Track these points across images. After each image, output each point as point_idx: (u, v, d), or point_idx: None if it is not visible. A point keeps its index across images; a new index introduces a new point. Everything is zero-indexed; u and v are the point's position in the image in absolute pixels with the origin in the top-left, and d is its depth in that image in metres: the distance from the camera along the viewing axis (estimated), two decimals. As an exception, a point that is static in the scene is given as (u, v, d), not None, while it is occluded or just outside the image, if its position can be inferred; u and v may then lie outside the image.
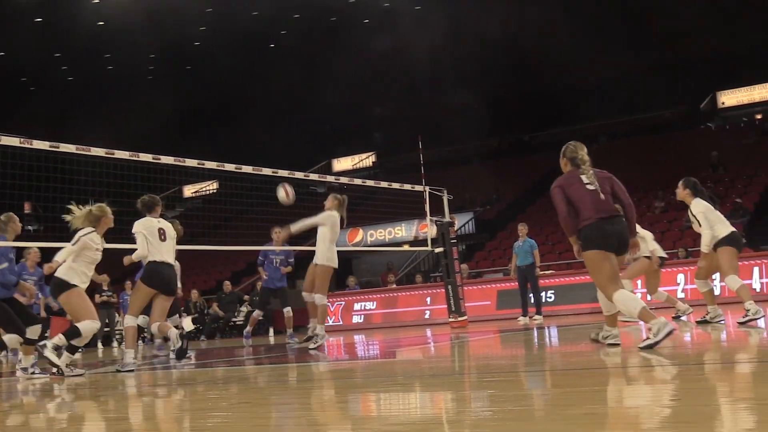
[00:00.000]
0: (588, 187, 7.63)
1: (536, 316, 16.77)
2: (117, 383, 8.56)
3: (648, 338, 7.19)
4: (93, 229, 9.42)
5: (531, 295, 17.08)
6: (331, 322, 21.48)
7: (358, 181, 17.14)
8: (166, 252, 9.64)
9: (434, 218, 17.23)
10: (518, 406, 4.72)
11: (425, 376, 7.14)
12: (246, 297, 24.03)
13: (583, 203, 7.59)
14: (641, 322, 8.39)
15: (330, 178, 18.99)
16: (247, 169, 13.03)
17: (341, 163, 40.44)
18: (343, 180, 17.49)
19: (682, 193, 10.69)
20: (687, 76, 34.41)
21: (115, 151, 11.22)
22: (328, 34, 33.73)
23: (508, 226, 29.23)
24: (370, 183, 17.40)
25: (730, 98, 36.66)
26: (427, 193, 17.10)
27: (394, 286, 22.68)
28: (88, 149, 11.04)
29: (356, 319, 21.05)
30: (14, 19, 27.36)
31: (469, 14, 32.81)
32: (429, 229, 18.21)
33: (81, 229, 9.38)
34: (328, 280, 11.89)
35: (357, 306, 21.25)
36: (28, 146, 10.55)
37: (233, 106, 37.15)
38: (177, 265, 10.29)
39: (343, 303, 21.57)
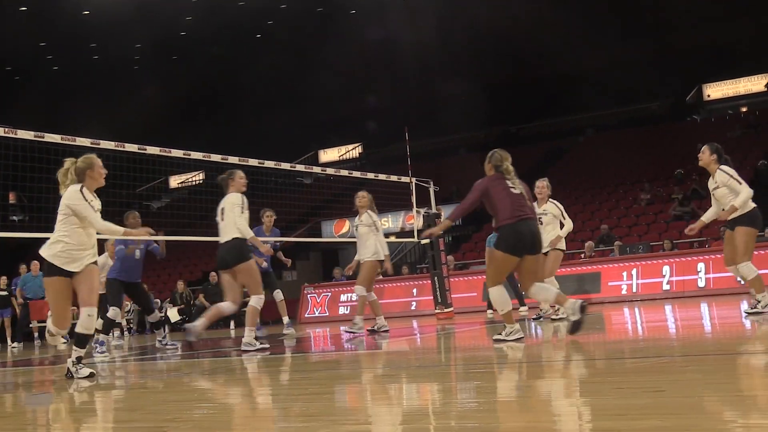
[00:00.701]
0: (512, 190, 8.23)
1: (522, 308, 16.77)
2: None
3: (500, 334, 8.29)
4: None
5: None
6: (317, 313, 21.49)
7: (344, 172, 17.13)
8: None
9: (421, 209, 17.23)
10: (505, 398, 4.74)
11: (411, 368, 7.15)
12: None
13: (504, 203, 8.16)
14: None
15: (317, 169, 18.95)
16: (234, 159, 13.00)
17: (328, 154, 40.39)
18: (330, 171, 17.47)
19: (708, 158, 9.80)
20: (673, 68, 34.48)
21: (101, 141, 11.17)
22: (315, 25, 33.68)
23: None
24: (356, 174, 17.39)
25: (715, 91, 36.75)
26: (413, 184, 17.09)
27: (380, 277, 22.67)
28: (73, 139, 10.99)
29: (342, 310, 21.04)
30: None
31: (457, 4, 32.81)
32: (415, 220, 18.22)
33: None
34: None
35: (343, 297, 21.25)
36: (13, 136, 10.50)
37: (220, 96, 37.06)
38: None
39: (330, 294, 21.57)
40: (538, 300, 9.06)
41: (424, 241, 16.97)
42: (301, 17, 32.87)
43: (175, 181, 40.51)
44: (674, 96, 36.17)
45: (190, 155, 12.55)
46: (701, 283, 16.83)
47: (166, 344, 12.25)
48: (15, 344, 20.07)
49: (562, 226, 12.37)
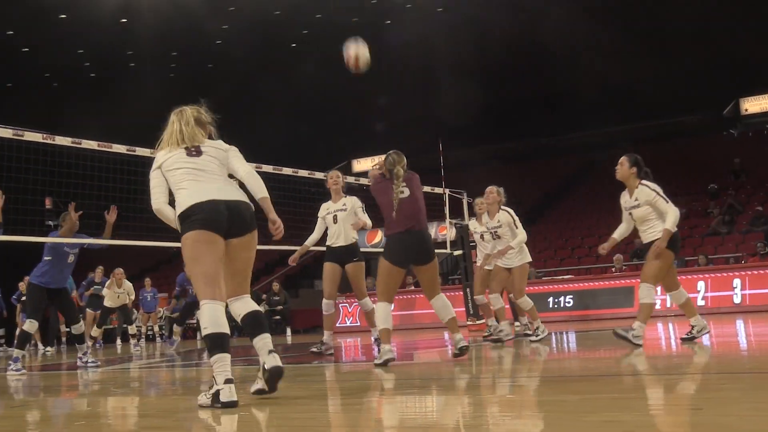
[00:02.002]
0: (401, 195, 8.00)
1: (516, 323, 16.71)
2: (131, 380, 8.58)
3: (377, 357, 8.01)
4: None
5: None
6: (348, 323, 21.48)
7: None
8: None
9: (453, 221, 17.20)
10: (536, 412, 4.69)
11: (443, 380, 7.11)
12: (264, 296, 24.06)
13: (387, 214, 7.99)
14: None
15: (350, 179, 18.98)
16: (268, 168, 13.04)
17: (361, 164, 40.39)
18: (363, 181, 17.45)
19: (626, 171, 8.75)
20: (711, 82, 34.16)
21: (137, 149, 11.26)
22: (349, 34, 33.68)
23: (529, 230, 29.14)
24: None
25: (753, 105, 36.34)
26: (446, 195, 17.07)
27: (413, 288, 22.61)
28: (109, 146, 11.09)
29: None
30: (39, 16, 27.48)
31: (491, 15, 32.74)
32: (448, 231, 18.18)
33: None
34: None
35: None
36: (51, 142, 10.60)
37: (254, 104, 37.16)
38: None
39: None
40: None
41: (456, 253, 16.92)
42: (335, 27, 32.90)
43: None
44: (711, 109, 35.80)
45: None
46: (737, 300, 16.66)
47: (87, 362, 11.04)
48: (48, 348, 20.23)
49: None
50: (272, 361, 5.54)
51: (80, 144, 10.91)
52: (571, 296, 18.76)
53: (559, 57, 33.59)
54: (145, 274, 24.14)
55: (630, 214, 8.84)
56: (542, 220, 29.58)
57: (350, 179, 18.63)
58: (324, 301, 10.60)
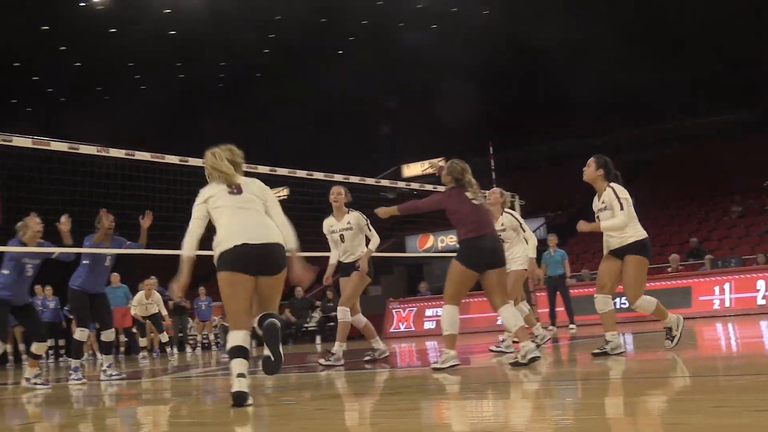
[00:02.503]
0: (473, 202, 7.90)
1: (570, 326, 16.55)
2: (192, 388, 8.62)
3: (436, 362, 7.98)
4: None
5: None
6: (402, 328, 21.44)
7: (429, 187, 17.08)
8: None
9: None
10: (596, 415, 4.62)
11: (499, 383, 7.05)
12: (318, 303, 24.11)
13: (465, 218, 7.85)
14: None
15: (401, 184, 18.97)
16: (319, 175, 13.07)
17: (411, 169, 40.36)
18: (414, 186, 17.48)
19: (593, 173, 8.55)
20: (764, 77, 33.59)
21: (189, 159, 11.34)
22: (396, 40, 33.72)
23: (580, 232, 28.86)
24: (441, 189, 17.32)
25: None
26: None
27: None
28: (162, 157, 11.19)
29: (428, 325, 20.97)
30: (89, 30, 27.88)
31: (537, 14, 32.64)
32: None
33: None
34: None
35: (429, 312, 21.18)
36: (105, 154, 10.73)
37: (303, 113, 37.33)
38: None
39: (415, 309, 21.52)
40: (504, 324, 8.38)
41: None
42: (381, 34, 33.01)
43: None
44: (765, 106, 35.18)
45: (275, 171, 12.66)
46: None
47: (111, 375, 10.77)
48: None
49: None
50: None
51: (133, 155, 11.02)
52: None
53: (606, 55, 33.28)
54: (200, 283, 24.29)
55: (598, 217, 8.62)
56: (594, 220, 29.33)
57: (401, 184, 18.66)
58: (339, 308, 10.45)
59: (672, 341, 8.40)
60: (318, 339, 22.36)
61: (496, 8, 31.46)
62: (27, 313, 10.31)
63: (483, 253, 7.83)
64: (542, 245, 28.14)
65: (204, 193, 6.46)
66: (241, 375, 5.91)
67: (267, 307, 6.27)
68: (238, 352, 6.00)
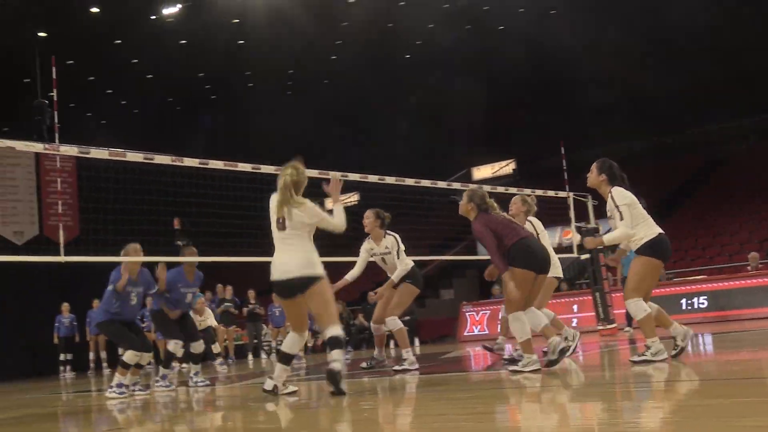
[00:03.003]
0: (505, 218, 8.34)
1: (626, 328, 16.30)
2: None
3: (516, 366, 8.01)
4: None
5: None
6: (476, 332, 21.35)
7: (500, 189, 16.97)
8: None
9: (579, 224, 16.91)
10: (683, 417, 4.53)
11: (576, 386, 6.97)
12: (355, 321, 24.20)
13: (506, 231, 8.08)
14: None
15: (473, 187, 18.91)
16: (390, 180, 13.07)
17: (481, 171, 40.17)
18: (486, 188, 17.36)
19: (595, 179, 8.37)
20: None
21: (261, 167, 11.45)
22: (463, 42, 33.59)
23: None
24: (513, 190, 17.20)
25: None
26: (571, 199, 16.80)
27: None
28: (235, 165, 11.31)
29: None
30: (160, 42, 28.29)
31: (609, 13, 32.27)
32: (573, 235, 17.88)
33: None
34: None
35: (502, 314, 21.04)
36: (180, 164, 10.88)
37: (370, 117, 37.43)
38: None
39: (489, 312, 21.40)
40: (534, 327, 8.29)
41: (584, 256, 16.63)
42: (449, 36, 32.88)
43: (331, 203, 41.16)
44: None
45: (347, 176, 12.70)
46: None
47: (197, 382, 11.09)
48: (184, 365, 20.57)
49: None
50: (336, 366, 7.24)
51: (207, 164, 11.16)
52: (705, 297, 18.19)
53: (685, 52, 32.76)
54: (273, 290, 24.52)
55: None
56: (669, 221, 28.83)
57: (472, 187, 18.59)
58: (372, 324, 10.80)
59: (674, 350, 8.02)
60: (392, 344, 22.37)
61: (580, 17, 31.12)
62: (129, 328, 10.49)
63: (537, 255, 8.02)
64: (614, 246, 27.93)
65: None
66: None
67: (323, 321, 7.44)
68: (285, 359, 7.85)
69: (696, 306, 17.68)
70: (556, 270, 10.06)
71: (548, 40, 31.10)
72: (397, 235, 10.54)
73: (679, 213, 29.39)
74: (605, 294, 16.32)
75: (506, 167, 39.82)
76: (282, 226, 7.52)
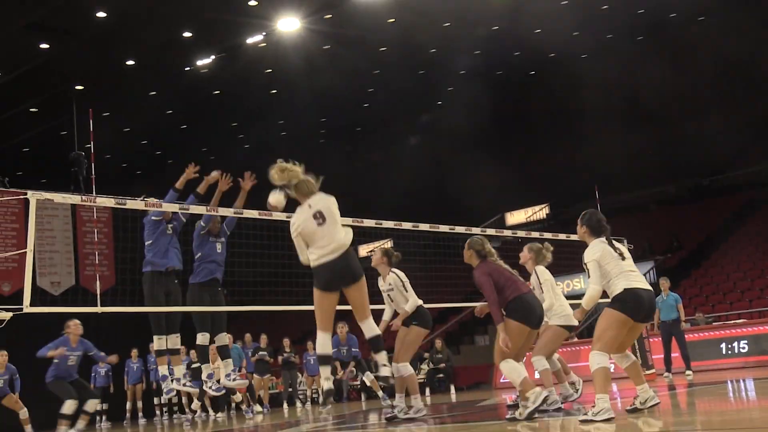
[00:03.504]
0: (504, 267, 8.66)
1: (687, 372, 16.08)
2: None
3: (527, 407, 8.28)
4: None
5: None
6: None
7: (535, 234, 16.89)
8: None
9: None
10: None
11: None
12: (426, 354, 23.97)
13: (508, 281, 8.50)
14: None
15: (507, 232, 18.85)
16: (424, 227, 13.08)
17: (514, 216, 40.05)
18: (520, 233, 17.30)
19: (580, 233, 8.24)
20: None
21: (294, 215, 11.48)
22: (508, 71, 33.63)
23: (692, 274, 28.17)
24: (547, 235, 17.11)
25: None
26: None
27: (575, 339, 22.14)
28: (269, 214, 11.37)
29: (537, 375, 20.59)
30: (194, 92, 28.61)
31: (632, 60, 32.37)
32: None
33: None
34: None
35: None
36: (214, 213, 10.96)
37: (402, 165, 37.56)
38: None
39: (524, 358, 21.18)
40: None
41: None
42: (480, 83, 33.02)
43: (364, 250, 41.18)
44: None
45: (381, 224, 12.72)
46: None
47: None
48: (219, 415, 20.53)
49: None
50: (385, 371, 8.45)
51: (242, 214, 11.24)
52: (746, 341, 17.92)
53: (713, 90, 32.67)
54: (308, 338, 24.47)
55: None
56: (706, 264, 28.57)
57: (507, 232, 18.51)
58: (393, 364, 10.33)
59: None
60: (427, 391, 22.19)
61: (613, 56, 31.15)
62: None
63: (535, 312, 8.53)
64: (654, 289, 27.63)
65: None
66: (327, 378, 8.35)
67: (360, 313, 8.39)
68: (325, 360, 8.49)
69: (737, 351, 17.43)
70: (567, 319, 10.14)
71: (581, 81, 31.14)
72: (401, 273, 10.60)
73: (716, 256, 29.09)
74: (643, 339, 16.15)
75: (540, 212, 39.70)
76: (322, 219, 8.11)
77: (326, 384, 8.29)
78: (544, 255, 10.51)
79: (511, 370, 8.44)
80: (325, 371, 8.39)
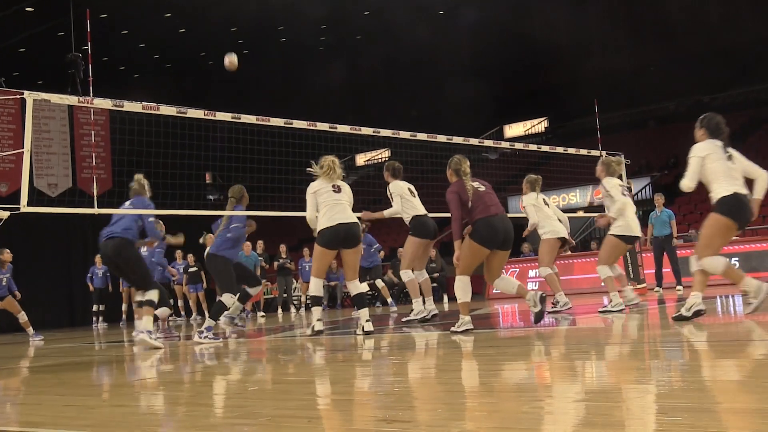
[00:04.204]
0: (478, 189, 8.78)
1: (678, 287, 16.24)
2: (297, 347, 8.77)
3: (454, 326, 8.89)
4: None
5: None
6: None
7: (533, 147, 16.92)
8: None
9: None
10: (713, 377, 4.53)
11: (601, 345, 6.99)
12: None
13: (475, 203, 8.64)
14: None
15: (505, 144, 18.86)
16: (422, 136, 13.07)
17: (513, 129, 40.00)
18: (518, 146, 17.32)
19: (698, 133, 8.35)
20: None
21: (294, 121, 11.47)
22: (496, 3, 33.37)
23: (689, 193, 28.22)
24: (545, 149, 17.14)
25: None
26: (603, 158, 16.67)
27: (569, 252, 22.31)
28: (267, 119, 11.34)
29: (531, 286, 20.85)
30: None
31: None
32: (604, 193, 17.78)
33: None
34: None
35: (532, 273, 21.06)
36: (212, 118, 10.92)
37: (403, 74, 37.35)
38: None
39: (518, 270, 21.42)
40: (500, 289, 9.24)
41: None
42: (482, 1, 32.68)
43: (361, 159, 41.20)
44: None
45: (379, 132, 12.70)
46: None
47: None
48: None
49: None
50: (368, 326, 9.49)
51: (239, 119, 11.20)
52: (737, 258, 18.09)
53: (715, 13, 32.32)
54: (304, 245, 24.62)
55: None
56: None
57: (504, 144, 18.53)
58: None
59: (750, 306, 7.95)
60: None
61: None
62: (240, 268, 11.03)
63: (498, 234, 8.59)
64: (649, 205, 27.78)
65: (314, 185, 9.62)
66: (319, 319, 9.87)
67: (350, 274, 9.69)
68: (317, 301, 9.86)
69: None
70: (623, 230, 10.81)
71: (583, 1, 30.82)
72: (401, 183, 11.26)
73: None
74: (636, 253, 16.26)
75: (538, 125, 39.59)
76: (338, 189, 9.56)
77: (317, 325, 9.80)
78: (614, 168, 11.07)
79: (459, 287, 8.74)
80: (316, 312, 9.90)
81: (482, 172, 11.32)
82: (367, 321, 9.48)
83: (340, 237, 9.35)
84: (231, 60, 10.62)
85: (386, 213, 11.20)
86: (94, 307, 23.08)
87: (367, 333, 9.36)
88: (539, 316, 8.65)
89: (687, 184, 8.03)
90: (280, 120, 11.30)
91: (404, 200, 11.13)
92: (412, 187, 11.43)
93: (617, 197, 10.60)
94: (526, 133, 39.31)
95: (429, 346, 8.25)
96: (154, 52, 32.92)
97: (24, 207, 9.29)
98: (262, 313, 20.19)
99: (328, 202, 9.43)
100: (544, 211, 11.81)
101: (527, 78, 37.70)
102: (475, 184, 8.83)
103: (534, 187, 11.90)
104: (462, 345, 7.61)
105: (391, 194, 11.17)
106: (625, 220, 10.66)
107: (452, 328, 8.84)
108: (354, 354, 7.64)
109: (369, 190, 23.85)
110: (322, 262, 9.62)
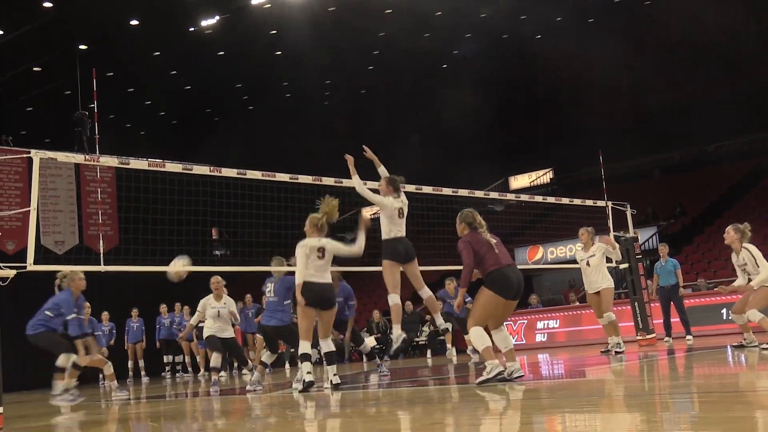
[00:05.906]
0: (491, 241, 8.83)
1: (687, 337, 16.13)
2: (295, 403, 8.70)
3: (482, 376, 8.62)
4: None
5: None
6: (514, 341, 21.21)
7: (538, 198, 16.93)
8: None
9: (617, 234, 16.79)
10: (725, 430, 4.48)
11: (615, 397, 6.92)
12: (428, 317, 24.03)
13: (489, 254, 8.70)
14: None
15: (510, 196, 18.90)
16: (428, 189, 13.10)
17: (518, 181, 40.07)
18: (523, 197, 17.34)
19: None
20: None
21: (299, 176, 11.51)
22: (501, 50, 33.60)
23: (695, 240, 28.15)
24: (551, 200, 17.16)
25: None
26: (609, 207, 16.69)
27: (577, 303, 22.21)
28: (273, 175, 11.38)
29: (539, 337, 20.73)
30: (198, 53, 28.49)
31: (649, 28, 32.19)
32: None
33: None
34: None
35: (540, 324, 20.94)
36: (218, 174, 10.96)
37: (407, 127, 37.48)
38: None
39: (526, 321, 21.29)
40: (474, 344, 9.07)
41: (622, 266, 16.47)
42: (486, 46, 32.89)
43: (367, 212, 41.22)
44: None
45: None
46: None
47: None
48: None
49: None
50: (335, 380, 10.00)
51: (245, 175, 11.24)
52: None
53: (717, 58, 32.52)
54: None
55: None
56: (709, 230, 28.55)
57: (510, 196, 18.58)
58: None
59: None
60: (428, 353, 22.30)
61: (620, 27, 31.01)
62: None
63: (512, 285, 8.64)
64: (655, 255, 27.71)
65: (306, 242, 9.84)
66: (309, 373, 9.87)
67: (324, 332, 10.10)
68: (306, 357, 9.92)
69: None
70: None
71: (587, 50, 31.03)
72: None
73: (719, 222, 29.07)
74: (644, 304, 16.17)
75: (544, 177, 39.67)
76: (323, 255, 9.76)
77: (308, 377, 9.88)
78: (747, 234, 11.78)
79: (477, 337, 8.69)
80: (306, 366, 9.96)
81: (488, 225, 11.29)
82: (335, 375, 10.01)
83: (317, 296, 9.72)
84: (177, 271, 10.85)
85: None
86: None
87: (335, 386, 9.87)
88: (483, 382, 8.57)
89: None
90: (285, 175, 11.34)
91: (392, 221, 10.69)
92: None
93: (763, 264, 11.39)
94: (531, 184, 39.37)
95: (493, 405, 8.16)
96: (160, 109, 33.14)
97: (30, 265, 9.29)
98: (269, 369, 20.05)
99: (312, 266, 9.73)
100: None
101: (531, 128, 37.82)
102: (488, 236, 8.88)
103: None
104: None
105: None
106: None
107: (482, 377, 8.64)
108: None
109: (376, 244, 23.84)
110: (308, 321, 9.89)
